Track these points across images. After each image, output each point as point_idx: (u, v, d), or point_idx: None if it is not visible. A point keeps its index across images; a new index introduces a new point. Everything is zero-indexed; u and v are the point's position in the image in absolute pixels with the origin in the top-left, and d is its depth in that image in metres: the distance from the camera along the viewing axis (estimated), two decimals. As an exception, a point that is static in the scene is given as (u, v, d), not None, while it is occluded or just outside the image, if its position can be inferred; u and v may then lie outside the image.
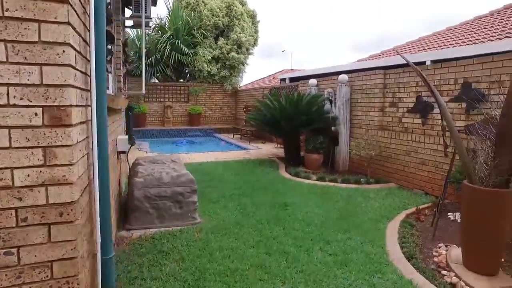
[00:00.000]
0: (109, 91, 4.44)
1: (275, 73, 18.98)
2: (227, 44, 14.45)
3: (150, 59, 13.54)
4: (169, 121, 14.25)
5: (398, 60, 6.63)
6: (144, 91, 5.33)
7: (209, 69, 14.37)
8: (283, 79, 11.53)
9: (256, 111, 8.10)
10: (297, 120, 6.92)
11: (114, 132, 3.73)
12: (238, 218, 4.06)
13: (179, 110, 14.70)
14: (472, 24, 9.35)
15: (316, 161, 7.09)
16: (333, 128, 6.92)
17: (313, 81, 8.14)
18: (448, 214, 4.26)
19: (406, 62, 6.04)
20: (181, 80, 15.07)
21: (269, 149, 9.81)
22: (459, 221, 3.98)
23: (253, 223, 3.89)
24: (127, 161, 4.63)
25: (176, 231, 3.60)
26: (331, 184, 5.79)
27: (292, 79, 10.79)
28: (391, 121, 6.12)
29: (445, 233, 3.66)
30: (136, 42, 14.00)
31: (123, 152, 4.11)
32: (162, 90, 14.47)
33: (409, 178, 5.62)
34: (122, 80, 5.32)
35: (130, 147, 6.40)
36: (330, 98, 7.38)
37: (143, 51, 5.30)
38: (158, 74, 15.85)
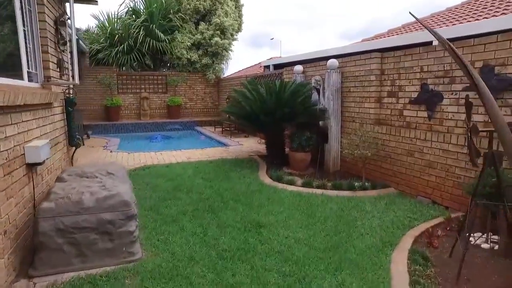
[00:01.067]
0: (26, 81, 3.35)
1: (262, 62, 17.85)
2: (208, 29, 13.25)
3: (123, 45, 12.29)
4: (146, 114, 13.10)
5: (398, 41, 5.62)
6: (77, 81, 4.24)
7: (188, 56, 13.18)
8: (267, 66, 10.44)
9: (232, 103, 7.05)
10: (279, 113, 5.90)
11: (29, 137, 2.65)
12: (193, 249, 3.06)
13: (156, 101, 13.54)
14: (475, 4, 8.35)
15: (302, 161, 6.10)
16: (321, 122, 5.91)
17: (298, 68, 7.09)
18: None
19: (408, 44, 4.99)
20: (163, 70, 13.82)
21: (251, 144, 8.78)
22: (486, 246, 3.03)
23: (212, 259, 2.88)
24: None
25: (101, 277, 2.58)
26: (320, 191, 4.81)
27: (277, 66, 9.71)
28: (389, 114, 5.14)
29: (472, 269, 2.70)
30: (106, 25, 12.72)
31: (38, 164, 3.05)
32: (137, 80, 13.26)
33: (412, 183, 4.66)
34: (54, 67, 4.22)
35: (75, 150, 5.33)
36: (318, 87, 6.36)
37: (73, 29, 4.18)
38: (135, 63, 14.62)
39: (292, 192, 4.76)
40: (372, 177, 5.36)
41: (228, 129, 10.55)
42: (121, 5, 11.70)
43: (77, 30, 12.67)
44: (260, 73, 10.85)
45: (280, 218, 3.78)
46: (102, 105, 12.36)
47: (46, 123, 3.73)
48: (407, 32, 8.48)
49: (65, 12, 4.80)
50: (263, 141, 7.15)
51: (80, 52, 12.06)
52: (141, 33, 12.06)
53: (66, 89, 4.73)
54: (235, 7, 14.15)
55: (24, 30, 3.47)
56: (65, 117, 4.71)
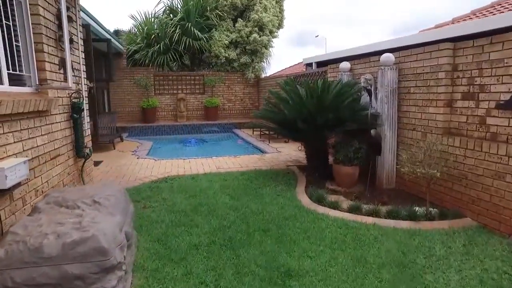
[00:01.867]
0: (5, 85, 2.74)
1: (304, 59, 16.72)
2: (246, 26, 12.50)
3: (159, 45, 11.93)
4: (183, 116, 12.67)
5: (482, 25, 4.39)
6: (70, 84, 3.62)
7: (226, 55, 12.53)
8: (309, 64, 9.42)
9: (266, 106, 6.18)
10: (321, 118, 4.93)
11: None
12: (196, 313, 2.24)
13: (193, 103, 13.07)
14: None
15: (348, 176, 5.07)
16: (373, 130, 4.84)
17: (345, 65, 6.05)
18: None
19: (496, 28, 3.81)
20: (201, 70, 13.30)
21: (291, 152, 7.85)
22: None
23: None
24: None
25: None
26: (371, 220, 3.79)
27: (320, 64, 8.68)
28: (465, 122, 3.97)
29: None
30: (143, 26, 12.45)
31: (6, 190, 2.41)
32: (174, 80, 12.87)
33: (502, 216, 3.47)
34: (55, 68, 3.64)
35: (84, 162, 4.77)
36: (368, 87, 5.30)
37: (64, 18, 3.55)
38: (175, 63, 14.30)
39: (335, 220, 3.79)
40: (439, 201, 4.22)
41: (267, 132, 9.70)
42: (158, 3, 11.48)
43: (116, 32, 12.57)
44: (300, 72, 9.86)
45: (319, 263, 2.85)
46: (139, 106, 12.12)
47: (35, 134, 3.14)
48: (485, 15, 7.00)
49: (73, 6, 4.23)
50: (304, 148, 6.23)
51: (117, 53, 11.90)
52: (177, 31, 11.61)
53: (74, 93, 4.17)
54: (276, 2, 13.25)
55: (5, 25, 2.88)
56: (72, 125, 4.15)
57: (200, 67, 13.73)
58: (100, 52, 11.18)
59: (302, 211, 4.11)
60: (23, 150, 2.89)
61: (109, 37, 9.17)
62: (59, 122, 3.80)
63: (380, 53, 5.22)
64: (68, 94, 4.12)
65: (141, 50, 12.13)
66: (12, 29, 3.02)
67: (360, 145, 5.03)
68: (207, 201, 4.48)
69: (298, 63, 20.75)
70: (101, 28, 8.74)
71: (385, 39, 7.67)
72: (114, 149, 8.49)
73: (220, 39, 12.37)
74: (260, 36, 12.53)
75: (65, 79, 3.97)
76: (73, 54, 4.31)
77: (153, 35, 11.87)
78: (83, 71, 4.75)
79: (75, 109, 4.12)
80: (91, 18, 7.92)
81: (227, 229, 3.58)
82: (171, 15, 12.63)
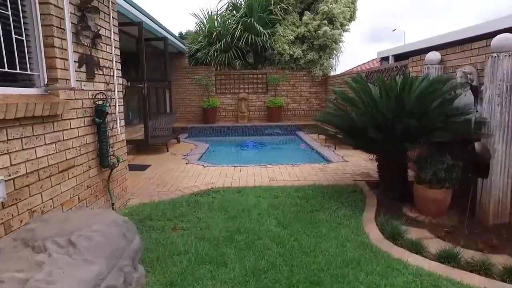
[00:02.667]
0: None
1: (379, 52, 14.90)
2: (314, 19, 11.40)
3: (220, 43, 11.47)
4: (244, 116, 12.06)
5: None
6: (73, 84, 3.02)
7: (291, 52, 11.58)
8: (385, 58, 8.03)
9: (329, 109, 5.10)
10: (400, 125, 3.74)
11: None
12: None
13: (256, 103, 12.38)
14: None
15: (437, 202, 3.80)
16: (477, 144, 3.49)
17: (433, 56, 4.71)
18: None
19: None
20: (265, 68, 12.54)
21: (359, 161, 6.63)
22: None
23: None
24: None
25: None
26: (476, 279, 2.55)
27: (399, 57, 7.26)
28: None
29: None
30: (205, 22, 12.10)
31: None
32: (236, 79, 12.33)
33: None
34: (74, 66, 3.10)
35: (111, 172, 4.24)
36: (469, 82, 3.93)
37: (111, 17, 2.95)
38: (238, 61, 13.81)
39: (419, 274, 2.63)
40: None
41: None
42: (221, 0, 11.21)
43: (181, 35, 12.43)
44: (375, 68, 8.48)
45: None
46: (200, 106, 11.82)
47: (34, 144, 2.59)
48: None
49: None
50: (376, 157, 5.01)
51: (179, 53, 11.72)
52: (239, 28, 11.01)
53: (98, 94, 3.64)
54: (348, -9, 11.90)
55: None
56: (97, 131, 3.62)
57: (264, 65, 12.99)
58: (160, 51, 11.10)
59: (370, 252, 3.02)
60: (11, 165, 2.34)
61: (166, 35, 8.88)
62: (76, 128, 3.27)
63: (486, 36, 3.83)
64: (93, 95, 3.60)
65: (202, 49, 11.81)
66: (11, 19, 2.50)
67: (454, 162, 3.72)
68: (248, 225, 3.63)
69: (372, 60, 18.88)
70: (158, 26, 8.47)
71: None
72: (167, 151, 8.14)
73: (284, 34, 11.46)
74: (330, 30, 11.32)
75: (89, 79, 3.45)
76: (101, 50, 3.79)
77: (215, 33, 11.45)
78: (117, 69, 4.25)
79: (98, 113, 3.58)
80: (145, 16, 7.63)
81: (263, 274, 2.68)
82: (234, 11, 12.10)
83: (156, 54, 10.98)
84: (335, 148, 7.96)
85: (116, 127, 4.25)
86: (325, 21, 11.28)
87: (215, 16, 12.10)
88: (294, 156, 8.04)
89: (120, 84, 4.35)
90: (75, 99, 3.28)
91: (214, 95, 12.18)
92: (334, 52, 11.87)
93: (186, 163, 6.74)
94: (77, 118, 3.31)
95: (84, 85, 3.45)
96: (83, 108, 3.42)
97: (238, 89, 12.34)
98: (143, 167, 6.52)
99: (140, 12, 7.41)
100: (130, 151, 7.94)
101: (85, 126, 3.46)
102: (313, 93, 12.44)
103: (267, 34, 11.13)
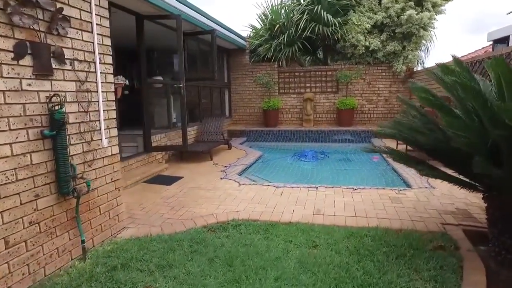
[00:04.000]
0: None
1: (490, 32, 11.28)
2: (397, 1, 9.29)
3: (283, 36, 10.08)
4: (309, 120, 10.51)
5: None
6: None
7: (367, 43, 9.65)
8: (499, 40, 5.69)
9: (403, 115, 3.36)
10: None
11: None
12: None
13: (324, 104, 10.72)
14: None
15: None
16: None
17: None
18: None
19: None
20: (336, 63, 10.74)
21: (453, 189, 4.61)
22: None
23: None
24: None
25: None
26: None
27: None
28: None
29: None
30: (267, 15, 10.81)
31: None
32: (301, 77, 10.83)
33: None
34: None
35: (78, 202, 3.14)
36: None
37: None
38: (306, 57, 12.30)
39: None
40: None
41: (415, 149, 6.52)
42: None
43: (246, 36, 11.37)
44: (482, 55, 6.20)
45: None
46: (261, 107, 10.63)
47: None
48: None
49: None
50: (485, 194, 3.12)
51: (239, 49, 10.70)
52: (304, 18, 9.48)
53: (54, 96, 2.63)
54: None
55: None
56: (52, 146, 2.62)
57: (334, 60, 11.22)
58: (220, 48, 10.19)
59: None
60: None
61: (215, 27, 7.86)
62: (8, 144, 2.29)
63: None
64: (47, 98, 2.60)
65: (264, 43, 10.59)
66: None
67: None
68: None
69: (474, 51, 15.45)
70: (206, 17, 7.48)
71: None
72: (211, 160, 7.11)
73: (359, 22, 9.58)
74: (418, 13, 9.10)
75: (40, 76, 2.46)
76: (70, 38, 2.79)
77: (278, 25, 10.11)
78: (105, 63, 3.24)
79: (53, 123, 2.57)
80: (188, 7, 6.68)
81: None
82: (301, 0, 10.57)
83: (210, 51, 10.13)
84: (417, 167, 5.97)
85: (100, 139, 3.24)
86: (411, 3, 9.09)
87: (279, 7, 10.71)
88: (361, 173, 6.30)
89: (108, 83, 3.34)
90: (7, 103, 2.31)
91: (276, 95, 10.88)
92: (422, 41, 9.55)
93: (221, 178, 5.56)
94: (10, 130, 2.33)
95: (29, 84, 2.47)
96: (25, 116, 2.44)
97: (303, 88, 10.82)
98: (171, 180, 5.56)
99: (182, 3, 6.50)
100: (169, 158, 7.13)
101: (28, 140, 2.47)
102: (394, 92, 10.27)
103: (337, 24, 9.39)
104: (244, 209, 4.06)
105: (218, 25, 8.33)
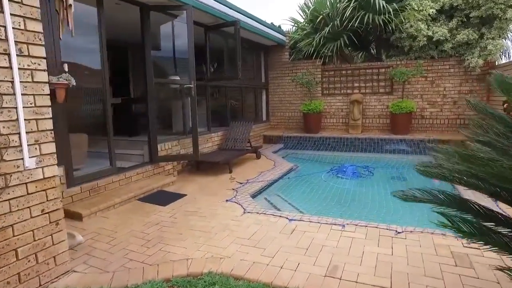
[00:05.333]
0: None
1: None
2: (474, -23, 7.41)
3: (327, 28, 8.68)
4: (357, 125, 8.99)
5: None
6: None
7: (430, 33, 7.87)
8: None
9: (491, 132, 1.98)
10: None
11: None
12: None
13: (375, 106, 9.11)
14: None
15: None
16: None
17: None
18: None
19: None
20: (390, 59, 8.96)
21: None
22: None
23: None
24: None
25: None
26: None
27: None
28: None
29: None
30: (310, 4, 9.45)
31: None
32: (348, 76, 9.33)
33: None
34: None
35: None
36: None
37: None
38: (358, 53, 10.76)
39: None
40: None
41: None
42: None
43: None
44: None
45: None
46: (301, 110, 9.37)
47: None
48: None
49: None
50: None
51: (277, 45, 9.56)
52: (351, 5, 8.00)
53: None
54: None
55: None
56: None
57: (388, 54, 9.51)
58: (256, 45, 9.15)
59: None
60: None
61: (242, 19, 6.81)
62: None
63: None
64: None
65: (305, 37, 9.28)
66: None
67: None
68: None
69: None
70: (228, 7, 6.46)
71: None
72: (230, 172, 6.09)
73: (420, 8, 7.85)
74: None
75: None
76: None
77: (321, 16, 8.74)
78: (29, 56, 2.36)
79: None
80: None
81: None
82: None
83: (248, 47, 9.13)
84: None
85: (22, 159, 2.37)
86: (493, -21, 7.15)
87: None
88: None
89: (37, 82, 2.46)
90: None
91: (319, 97, 9.53)
92: (510, 26, 7.49)
93: (227, 200, 4.49)
94: None
95: None
96: None
97: (350, 88, 9.32)
98: (170, 198, 4.65)
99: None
100: (183, 168, 6.25)
101: None
102: (465, 92, 8.31)
103: (392, 11, 7.76)
104: (232, 255, 2.95)
105: (247, 16, 7.29)
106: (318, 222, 3.62)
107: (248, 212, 3.98)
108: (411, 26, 7.96)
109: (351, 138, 8.62)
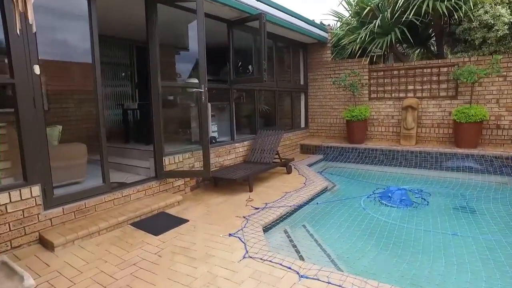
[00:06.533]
0: None
1: None
2: None
3: (376, 21, 7.37)
4: (410, 136, 7.54)
5: None
6: None
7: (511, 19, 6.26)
8: None
9: None
10: None
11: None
12: None
13: (434, 113, 7.60)
14: None
15: None
16: None
17: None
18: None
19: None
20: (455, 56, 7.29)
21: None
22: None
23: None
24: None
25: None
26: None
27: None
28: None
29: None
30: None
31: None
32: (401, 77, 7.91)
33: None
34: None
35: None
36: None
37: None
38: (414, 50, 9.27)
39: None
40: None
41: None
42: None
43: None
44: None
45: None
46: (343, 117, 8.16)
47: None
48: None
49: None
50: None
51: (318, 43, 8.48)
52: (406, -9, 6.66)
53: None
54: None
55: None
56: None
57: (454, 50, 7.90)
58: (293, 42, 8.13)
59: None
60: None
61: (268, 10, 5.86)
62: None
63: None
64: None
65: (349, 33, 8.05)
66: None
67: None
68: None
69: None
70: (252, -3, 5.55)
71: None
72: (250, 191, 5.18)
73: (498, -11, 6.29)
74: None
75: None
76: None
77: (369, 7, 7.46)
78: None
79: None
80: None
81: None
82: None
83: (284, 46, 8.17)
84: None
85: None
86: None
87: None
88: (492, 249, 3.46)
89: None
90: None
91: (365, 101, 8.24)
92: None
93: (230, 234, 3.56)
94: None
95: None
96: None
97: (403, 92, 7.89)
98: (167, 225, 3.87)
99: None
100: (198, 184, 5.47)
101: None
102: (559, 97, 6.51)
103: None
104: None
105: (279, 9, 6.32)
106: (341, 279, 2.55)
107: (250, 257, 3.02)
108: (486, 12, 6.40)
109: (402, 150, 7.23)
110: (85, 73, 4.80)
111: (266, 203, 4.57)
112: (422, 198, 4.93)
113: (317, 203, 4.72)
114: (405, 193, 4.79)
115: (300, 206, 4.58)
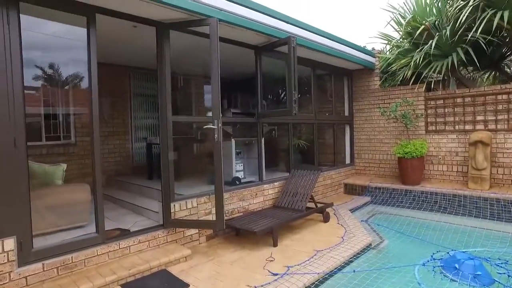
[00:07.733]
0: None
1: None
2: None
3: (432, 41, 6.25)
4: (481, 178, 6.11)
5: None
6: None
7: None
8: None
9: None
10: None
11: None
12: None
13: (509, 147, 6.16)
14: None
15: None
16: None
17: None
18: None
19: None
20: None
21: None
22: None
23: None
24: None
25: None
26: None
27: None
28: None
29: None
30: (408, 13, 7.08)
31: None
32: (466, 106, 6.59)
33: None
34: None
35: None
36: None
37: None
38: (485, 73, 7.92)
39: None
40: None
41: None
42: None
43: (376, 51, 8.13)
44: None
45: None
46: (394, 154, 6.99)
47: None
48: None
49: None
50: None
51: (364, 69, 7.59)
52: (471, 3, 5.52)
53: None
54: None
55: None
56: None
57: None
58: (335, 69, 7.31)
59: None
60: None
61: (297, 32, 5.14)
62: None
63: None
64: None
65: (400, 57, 7.00)
66: None
67: None
68: None
69: None
70: (278, 19, 4.90)
71: None
72: (274, 246, 4.30)
73: None
74: None
75: None
76: None
77: (423, 26, 6.40)
78: None
79: None
80: (239, 4, 4.32)
81: None
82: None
83: (325, 74, 7.38)
84: None
85: None
86: None
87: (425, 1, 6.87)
88: None
89: None
90: None
91: (422, 134, 7.02)
92: None
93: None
94: None
95: None
96: None
97: (471, 123, 6.55)
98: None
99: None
100: (216, 233, 4.72)
101: None
102: None
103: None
104: None
105: (313, 32, 5.60)
106: None
107: None
108: None
109: (472, 196, 5.87)
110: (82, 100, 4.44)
111: (289, 266, 3.65)
112: (508, 276, 3.57)
113: (353, 271, 3.66)
114: (480, 266, 3.54)
115: (331, 274, 3.58)
